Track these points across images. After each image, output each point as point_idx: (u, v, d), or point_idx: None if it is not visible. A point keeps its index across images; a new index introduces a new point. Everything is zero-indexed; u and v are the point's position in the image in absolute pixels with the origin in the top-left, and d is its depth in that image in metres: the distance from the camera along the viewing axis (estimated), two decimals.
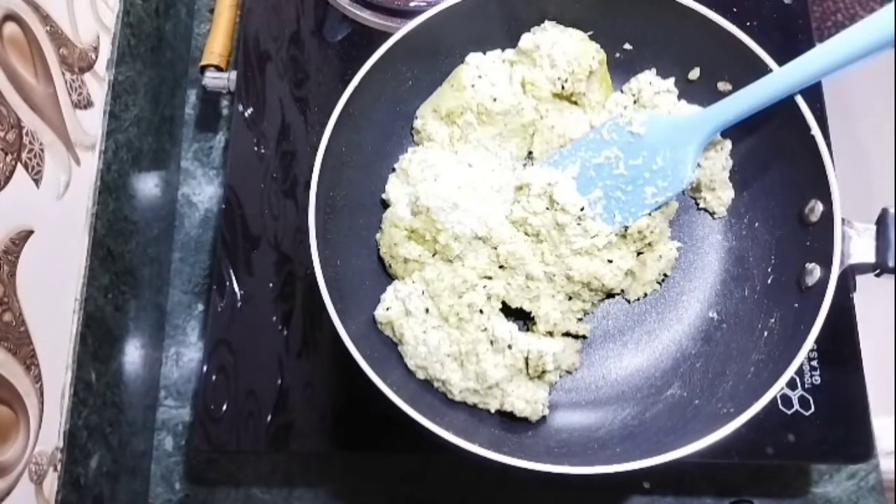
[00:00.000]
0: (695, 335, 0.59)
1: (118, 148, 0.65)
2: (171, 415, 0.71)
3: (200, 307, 0.74)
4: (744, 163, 0.60)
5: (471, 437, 0.48)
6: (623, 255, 0.57)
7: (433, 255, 0.58)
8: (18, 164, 0.52)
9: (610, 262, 0.57)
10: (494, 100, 0.60)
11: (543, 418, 0.56)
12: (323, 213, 0.55)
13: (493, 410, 0.55)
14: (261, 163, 0.69)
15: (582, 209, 0.56)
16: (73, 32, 0.61)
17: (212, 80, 0.72)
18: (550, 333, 0.58)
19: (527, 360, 0.55)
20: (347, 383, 0.62)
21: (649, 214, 0.57)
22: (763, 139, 0.58)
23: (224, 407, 0.62)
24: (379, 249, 0.60)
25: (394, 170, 0.62)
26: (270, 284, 0.65)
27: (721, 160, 0.60)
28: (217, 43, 0.72)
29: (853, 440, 0.60)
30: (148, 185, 0.71)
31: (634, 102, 0.62)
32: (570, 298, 0.58)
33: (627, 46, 0.63)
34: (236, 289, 0.65)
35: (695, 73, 0.61)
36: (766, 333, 0.54)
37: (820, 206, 0.52)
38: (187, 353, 0.73)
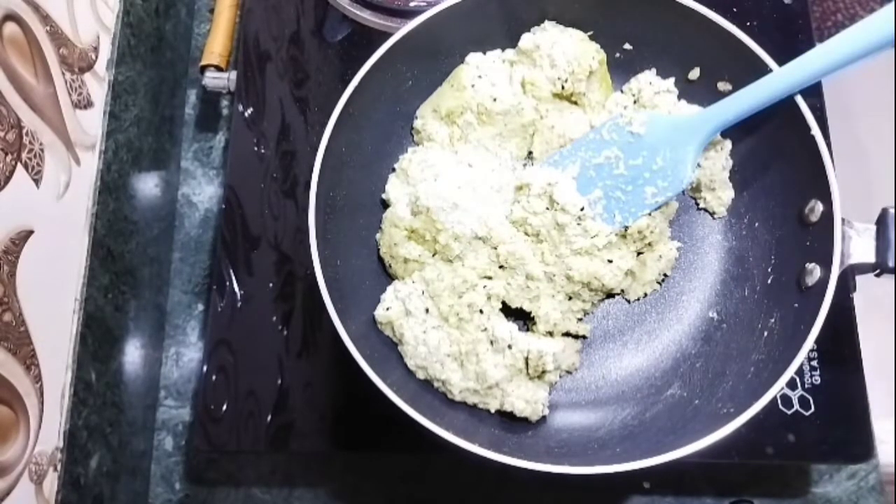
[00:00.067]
0: (695, 335, 0.59)
1: (118, 148, 0.65)
2: (171, 415, 0.71)
3: (200, 307, 0.74)
4: (744, 163, 0.60)
5: (471, 437, 0.48)
6: (623, 255, 0.57)
7: (433, 255, 0.58)
8: (18, 164, 0.52)
9: (610, 262, 0.57)
10: (494, 100, 0.60)
11: (543, 418, 0.56)
12: (323, 213, 0.55)
13: (493, 410, 0.55)
14: (261, 163, 0.69)
15: (582, 209, 0.56)
16: (73, 32, 0.61)
17: (212, 80, 0.72)
18: (550, 333, 0.58)
19: (527, 360, 0.55)
20: (347, 383, 0.62)
21: (649, 214, 0.57)
22: (763, 139, 0.58)
23: (224, 407, 0.62)
24: (379, 249, 0.60)
25: (394, 170, 0.62)
26: (270, 284, 0.65)
27: (721, 160, 0.60)
28: (217, 43, 0.72)
29: (853, 440, 0.60)
30: (148, 185, 0.71)
31: (634, 102, 0.62)
32: (570, 298, 0.58)
33: (627, 46, 0.63)
34: (236, 289, 0.65)
35: (695, 73, 0.61)
36: (766, 333, 0.54)
37: (820, 206, 0.52)
38: (187, 353, 0.73)
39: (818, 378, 0.61)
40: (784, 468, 0.67)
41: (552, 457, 0.51)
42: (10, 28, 0.52)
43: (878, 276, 0.51)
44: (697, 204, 0.62)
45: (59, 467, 0.55)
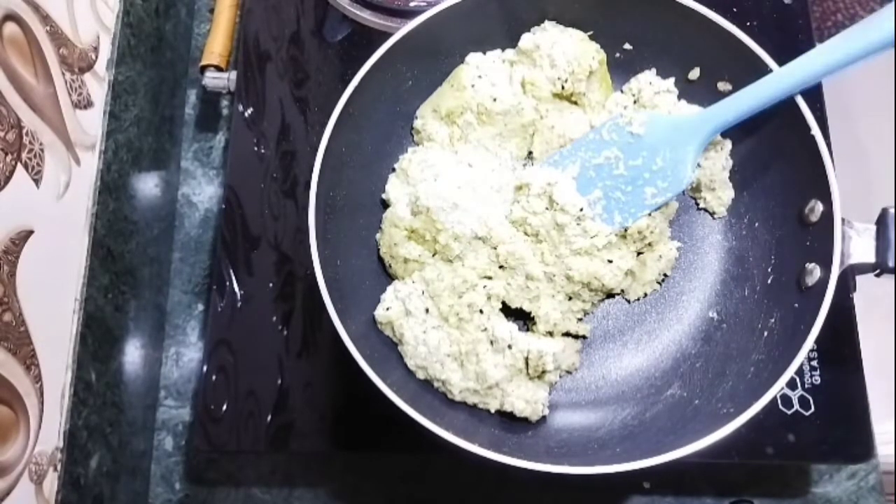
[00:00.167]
0: (695, 335, 0.59)
1: (118, 148, 0.65)
2: (171, 415, 0.71)
3: (200, 307, 0.74)
4: (744, 163, 0.60)
5: (471, 437, 0.48)
6: (623, 256, 0.57)
7: (433, 255, 0.58)
8: (18, 164, 0.52)
9: (610, 262, 0.57)
10: (494, 100, 0.60)
11: (543, 418, 0.56)
12: (323, 213, 0.55)
13: (493, 410, 0.55)
14: (261, 163, 0.69)
15: (581, 209, 0.56)
16: (73, 32, 0.61)
17: (212, 80, 0.72)
18: (550, 333, 0.58)
19: (527, 360, 0.55)
20: (347, 383, 0.62)
21: (649, 215, 0.57)
22: (763, 139, 0.58)
23: (224, 407, 0.62)
24: (379, 249, 0.60)
25: (394, 170, 0.62)
26: (270, 284, 0.65)
27: (721, 160, 0.60)
28: (217, 43, 0.72)
29: (853, 440, 0.60)
30: (148, 185, 0.71)
31: (634, 102, 0.62)
32: (570, 298, 0.58)
33: (627, 46, 0.63)
34: (236, 289, 0.65)
35: (695, 73, 0.61)
36: (766, 333, 0.54)
37: (820, 206, 0.52)
38: (187, 353, 0.73)
39: (818, 378, 0.61)
40: (784, 468, 0.67)
41: (552, 457, 0.51)
42: (10, 28, 0.52)
43: (878, 276, 0.51)
44: (697, 204, 0.62)
45: (59, 467, 0.55)
